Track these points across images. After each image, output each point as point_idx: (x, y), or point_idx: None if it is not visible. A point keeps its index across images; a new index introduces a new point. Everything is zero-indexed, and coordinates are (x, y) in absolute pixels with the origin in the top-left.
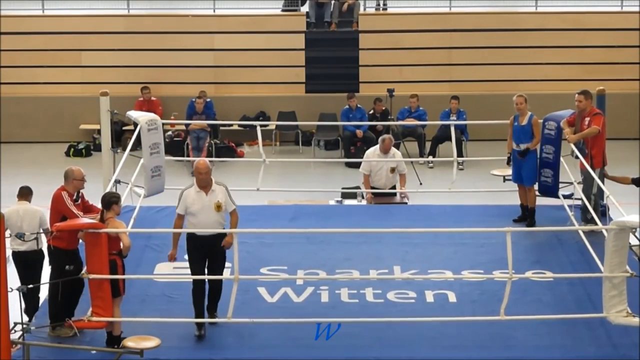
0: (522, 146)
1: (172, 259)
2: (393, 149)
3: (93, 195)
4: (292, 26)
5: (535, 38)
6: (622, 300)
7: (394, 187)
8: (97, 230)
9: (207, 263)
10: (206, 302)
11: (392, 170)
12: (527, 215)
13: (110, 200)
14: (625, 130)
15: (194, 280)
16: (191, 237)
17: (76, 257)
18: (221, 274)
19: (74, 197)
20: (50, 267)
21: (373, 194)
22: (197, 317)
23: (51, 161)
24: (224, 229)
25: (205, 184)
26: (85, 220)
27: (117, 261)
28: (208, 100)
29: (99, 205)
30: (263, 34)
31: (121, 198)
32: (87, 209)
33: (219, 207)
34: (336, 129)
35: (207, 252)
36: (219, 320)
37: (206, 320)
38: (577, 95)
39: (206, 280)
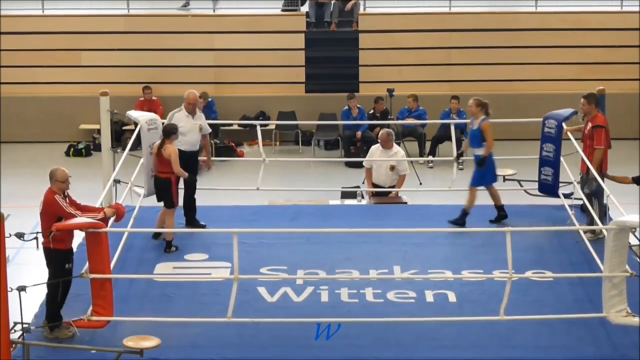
0: (476, 151)
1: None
2: (396, 147)
3: (93, 195)
4: (292, 26)
5: (535, 38)
6: (622, 300)
7: (395, 186)
8: (98, 230)
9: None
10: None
11: (392, 168)
12: (502, 214)
13: (170, 131)
14: (625, 130)
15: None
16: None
17: (71, 256)
18: (195, 185)
19: (62, 196)
20: (49, 268)
21: (373, 191)
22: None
23: (51, 161)
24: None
25: (193, 110)
26: (85, 219)
27: (171, 178)
28: (209, 99)
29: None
30: (263, 34)
31: (178, 129)
32: (78, 208)
33: (200, 129)
34: (336, 128)
35: (187, 166)
36: (219, 321)
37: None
38: (582, 98)
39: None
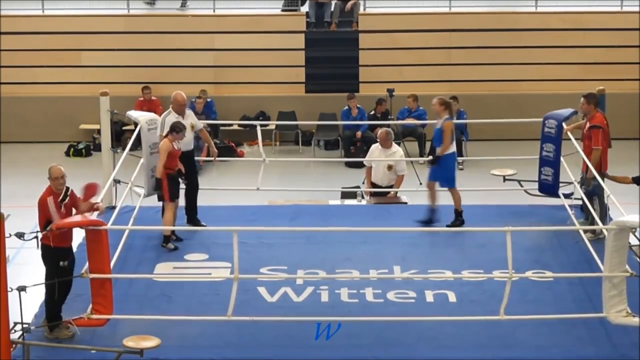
0: (438, 150)
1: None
2: (395, 147)
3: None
4: (292, 26)
5: (535, 38)
6: (622, 300)
7: (393, 185)
8: (98, 227)
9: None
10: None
11: (389, 167)
12: (431, 219)
13: (173, 128)
14: (625, 130)
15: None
16: None
17: (70, 254)
18: (197, 183)
19: (61, 197)
20: (44, 264)
21: (371, 191)
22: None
23: (51, 161)
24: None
25: (183, 112)
26: (81, 218)
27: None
28: (209, 100)
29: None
30: (263, 34)
31: (184, 130)
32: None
33: (192, 127)
34: (336, 128)
35: (183, 165)
36: (219, 319)
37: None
38: (582, 98)
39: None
